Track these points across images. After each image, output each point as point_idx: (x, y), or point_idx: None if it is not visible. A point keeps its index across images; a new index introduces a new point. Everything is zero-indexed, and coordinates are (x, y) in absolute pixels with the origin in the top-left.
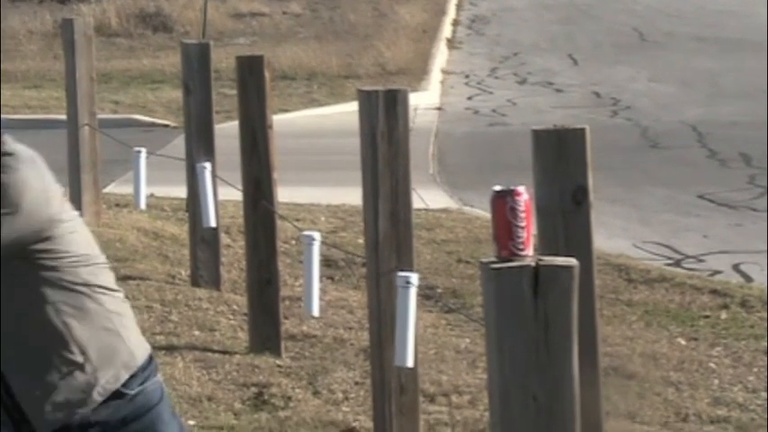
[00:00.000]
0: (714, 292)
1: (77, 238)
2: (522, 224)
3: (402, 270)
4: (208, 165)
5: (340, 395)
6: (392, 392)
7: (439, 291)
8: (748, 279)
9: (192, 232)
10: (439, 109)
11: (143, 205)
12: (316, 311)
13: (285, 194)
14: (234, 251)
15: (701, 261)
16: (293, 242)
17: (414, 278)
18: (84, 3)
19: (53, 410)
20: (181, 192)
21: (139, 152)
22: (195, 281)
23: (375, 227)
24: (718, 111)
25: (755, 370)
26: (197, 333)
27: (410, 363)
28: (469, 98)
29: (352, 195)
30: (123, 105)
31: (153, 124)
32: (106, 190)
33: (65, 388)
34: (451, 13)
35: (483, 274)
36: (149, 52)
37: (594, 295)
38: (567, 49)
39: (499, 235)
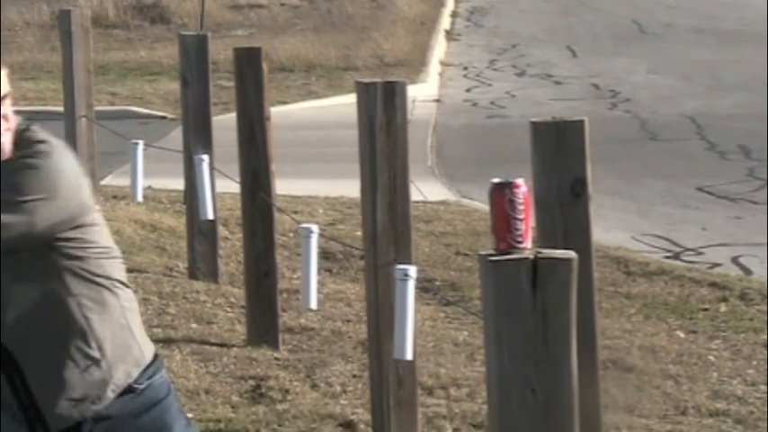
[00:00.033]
0: (713, 284)
1: (102, 229)
2: (521, 216)
3: (400, 263)
4: (205, 157)
5: (338, 388)
6: (390, 385)
7: (437, 283)
8: (747, 272)
9: (190, 224)
10: (437, 101)
11: (140, 197)
12: (313, 304)
13: (283, 187)
14: (231, 243)
15: (700, 254)
16: (291, 234)
17: (412, 271)
18: None
19: (68, 407)
20: (178, 184)
21: (137, 144)
22: (193, 273)
23: (373, 219)
24: (718, 103)
25: (754, 363)
26: (194, 326)
27: (408, 355)
28: (468, 90)
29: (350, 188)
30: (120, 97)
31: (150, 116)
32: (103, 182)
33: (81, 384)
34: (450, 4)
35: (481, 266)
36: (147, 44)
37: (593, 288)
38: (565, 40)
39: (498, 227)
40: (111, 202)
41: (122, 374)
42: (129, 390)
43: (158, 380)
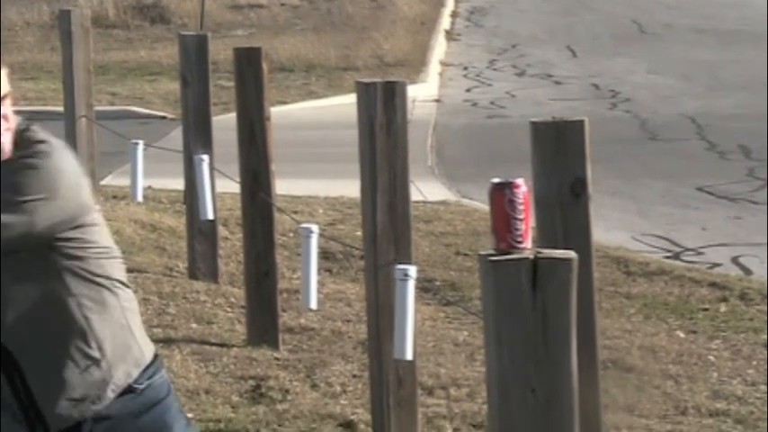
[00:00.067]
0: (713, 284)
1: (102, 229)
2: (521, 216)
3: (400, 263)
4: (205, 157)
5: (338, 388)
6: (390, 385)
7: (437, 283)
8: (747, 272)
9: (190, 224)
10: (437, 101)
11: (140, 197)
12: (313, 304)
13: (283, 187)
14: (231, 243)
15: (700, 254)
16: (291, 234)
17: (412, 271)
18: None
19: (68, 407)
20: (178, 184)
21: (137, 144)
22: (193, 273)
23: (373, 219)
24: (718, 103)
25: (754, 363)
26: (194, 326)
27: (408, 355)
28: (468, 90)
29: (350, 188)
30: (120, 97)
31: (150, 116)
32: (103, 182)
33: (81, 384)
34: (450, 4)
35: (481, 266)
36: (147, 44)
37: (593, 288)
38: (565, 40)
39: (498, 227)
40: (111, 202)
41: (122, 374)
42: (129, 390)
43: (158, 380)
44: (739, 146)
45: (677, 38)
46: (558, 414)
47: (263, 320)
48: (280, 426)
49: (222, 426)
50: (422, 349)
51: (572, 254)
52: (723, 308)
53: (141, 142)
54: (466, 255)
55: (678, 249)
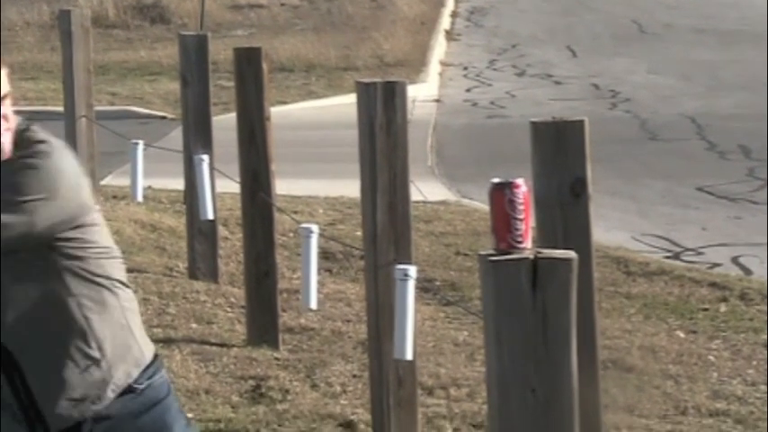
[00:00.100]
0: (713, 284)
1: (102, 229)
2: (521, 216)
3: (400, 263)
4: (205, 157)
5: (338, 388)
6: (390, 385)
7: (437, 283)
8: (747, 272)
9: (190, 224)
10: (437, 101)
11: (140, 197)
12: (313, 304)
13: (283, 187)
14: (231, 243)
15: (700, 254)
16: (291, 234)
17: (412, 271)
18: None
19: (68, 407)
20: (178, 184)
21: (137, 144)
22: (193, 273)
23: (373, 219)
24: (718, 103)
25: (754, 363)
26: (194, 326)
27: (408, 355)
28: (468, 90)
29: (350, 188)
30: (120, 97)
31: (150, 116)
32: (103, 182)
33: (81, 384)
34: (450, 4)
35: (481, 266)
36: (147, 44)
37: (593, 288)
38: (565, 40)
39: (498, 227)
40: (111, 202)
41: (122, 374)
42: (129, 390)
43: (158, 380)
44: (739, 146)
45: (677, 38)
46: (558, 414)
47: (263, 320)
48: (280, 426)
49: (222, 426)
50: (422, 349)
51: (572, 254)
52: (723, 308)
53: (141, 142)
54: (466, 255)
55: (678, 249)
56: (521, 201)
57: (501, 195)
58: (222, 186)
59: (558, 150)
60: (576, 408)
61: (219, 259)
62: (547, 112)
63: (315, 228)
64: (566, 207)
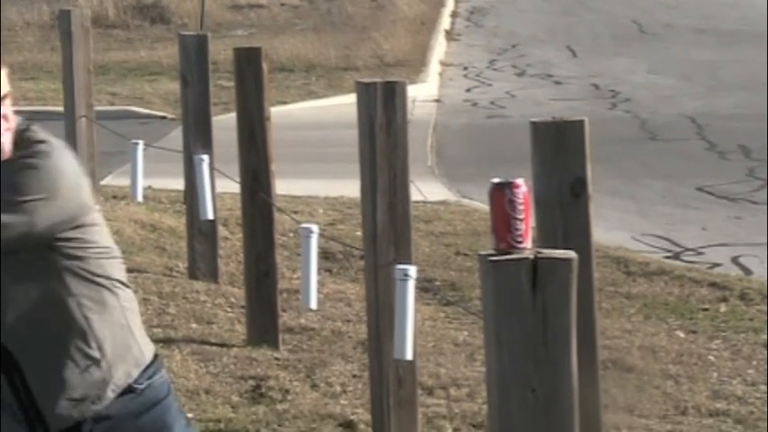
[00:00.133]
0: (713, 284)
1: (102, 229)
2: (521, 216)
3: (400, 263)
4: (205, 157)
5: (338, 388)
6: (390, 385)
7: (437, 283)
8: (747, 272)
9: (190, 225)
10: (437, 101)
11: (140, 197)
12: (313, 304)
13: (283, 187)
14: (231, 243)
15: (700, 254)
16: (291, 234)
17: (412, 271)
18: None
19: (68, 407)
20: (178, 184)
21: (137, 144)
22: (193, 273)
23: (373, 219)
24: (718, 103)
25: (754, 363)
26: (194, 326)
27: (408, 355)
28: (468, 90)
29: (350, 188)
30: (120, 97)
31: (150, 116)
32: (103, 182)
33: (81, 384)
34: (450, 4)
35: (481, 266)
36: (147, 44)
37: (593, 288)
38: (565, 40)
39: (498, 227)
40: (111, 202)
41: (122, 374)
42: (129, 390)
43: (158, 380)
44: (739, 146)
45: (677, 38)
46: (558, 414)
47: (263, 320)
48: (280, 426)
49: (222, 426)
50: (422, 349)
51: (572, 254)
52: (723, 308)
53: (141, 142)
54: (466, 255)
55: (678, 249)
56: (521, 201)
57: (501, 195)
58: (222, 186)
59: (558, 150)
60: (575, 408)
61: (219, 259)
62: (547, 112)
63: (315, 228)
64: (566, 207)
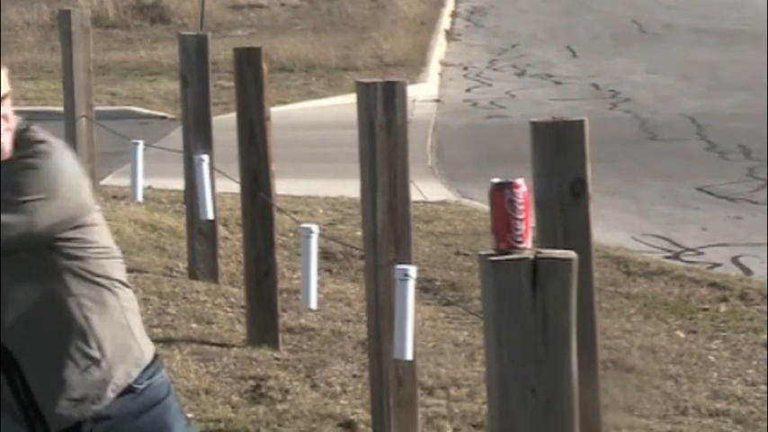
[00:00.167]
0: (713, 284)
1: (102, 229)
2: (521, 216)
3: (400, 263)
4: (205, 157)
5: (338, 388)
6: (390, 385)
7: (437, 283)
8: (747, 272)
9: (190, 225)
10: (437, 101)
11: (140, 197)
12: (313, 304)
13: (283, 187)
14: (231, 243)
15: (700, 254)
16: (291, 234)
17: (412, 271)
18: None
19: (68, 407)
20: (178, 184)
21: (137, 144)
22: (193, 273)
23: (373, 219)
24: (718, 103)
25: (754, 363)
26: (194, 326)
27: (408, 355)
28: (468, 90)
29: (350, 188)
30: (120, 97)
31: (150, 116)
32: (103, 182)
33: (81, 384)
34: (450, 4)
35: (481, 266)
36: (147, 44)
37: (593, 288)
38: (565, 40)
39: (498, 227)
40: (111, 202)
41: (122, 374)
42: (129, 390)
43: (158, 380)
44: (739, 146)
45: (677, 38)
46: (558, 414)
47: (263, 320)
48: (280, 426)
49: (222, 426)
50: (422, 349)
51: (572, 254)
52: (723, 308)
53: (141, 142)
54: (466, 255)
55: (678, 249)
56: (521, 201)
57: (501, 195)
58: (222, 186)
59: (558, 150)
60: (575, 408)
61: (219, 259)
62: (547, 112)
63: (315, 228)
64: (566, 207)
